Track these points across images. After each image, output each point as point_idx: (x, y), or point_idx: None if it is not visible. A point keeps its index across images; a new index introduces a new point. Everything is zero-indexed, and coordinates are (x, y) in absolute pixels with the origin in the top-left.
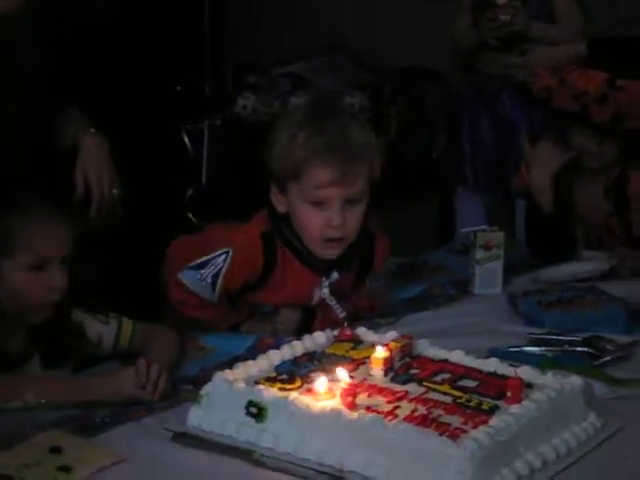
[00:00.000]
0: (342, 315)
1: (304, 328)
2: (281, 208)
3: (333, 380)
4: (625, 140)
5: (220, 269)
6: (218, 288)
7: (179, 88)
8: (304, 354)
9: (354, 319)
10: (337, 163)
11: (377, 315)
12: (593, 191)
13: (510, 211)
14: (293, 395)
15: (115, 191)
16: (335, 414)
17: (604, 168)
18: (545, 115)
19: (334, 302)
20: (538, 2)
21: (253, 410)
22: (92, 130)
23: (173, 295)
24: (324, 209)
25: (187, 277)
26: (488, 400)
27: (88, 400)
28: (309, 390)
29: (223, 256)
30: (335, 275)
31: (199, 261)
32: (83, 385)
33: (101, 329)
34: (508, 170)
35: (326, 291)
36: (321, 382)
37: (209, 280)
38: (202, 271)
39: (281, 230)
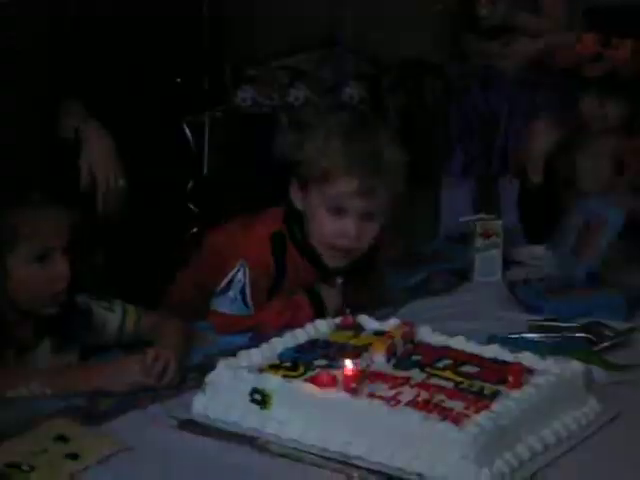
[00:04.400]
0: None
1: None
2: (298, 205)
3: (337, 367)
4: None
5: (244, 284)
6: (249, 302)
7: (179, 80)
8: (307, 342)
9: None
10: (364, 175)
11: (376, 304)
12: (599, 158)
13: (495, 195)
14: (297, 382)
15: (121, 182)
16: (339, 400)
17: (610, 130)
18: (536, 97)
19: None
20: None
21: (257, 397)
22: (95, 122)
23: (219, 326)
24: (341, 218)
25: (220, 304)
26: (490, 385)
27: (93, 389)
28: (313, 377)
29: (241, 271)
30: (339, 281)
31: (222, 285)
32: (88, 374)
33: (105, 315)
34: (494, 156)
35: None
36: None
37: (239, 297)
38: (230, 293)
39: (293, 230)
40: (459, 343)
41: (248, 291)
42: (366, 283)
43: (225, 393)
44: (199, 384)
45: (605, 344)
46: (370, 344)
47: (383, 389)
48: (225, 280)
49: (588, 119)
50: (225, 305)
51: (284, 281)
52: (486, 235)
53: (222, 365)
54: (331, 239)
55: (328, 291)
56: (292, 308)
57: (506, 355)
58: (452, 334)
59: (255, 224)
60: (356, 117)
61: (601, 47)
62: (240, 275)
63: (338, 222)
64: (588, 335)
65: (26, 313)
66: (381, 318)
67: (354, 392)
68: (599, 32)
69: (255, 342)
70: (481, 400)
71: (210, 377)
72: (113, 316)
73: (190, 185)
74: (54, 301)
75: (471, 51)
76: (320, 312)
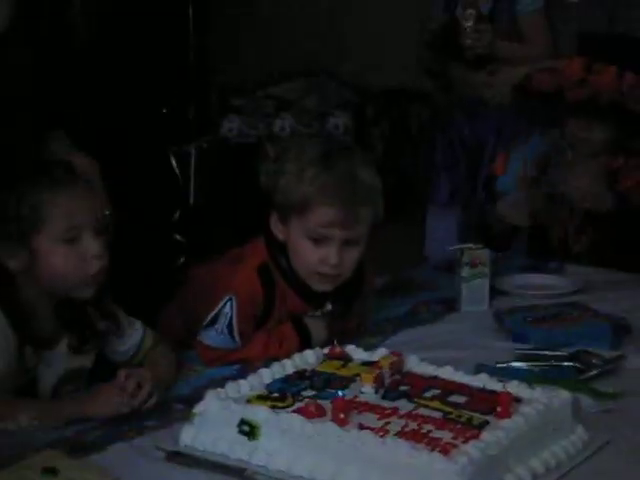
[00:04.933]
0: None
1: None
2: (280, 236)
3: (325, 398)
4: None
5: (231, 317)
6: (236, 335)
7: (165, 110)
8: (295, 372)
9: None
10: (343, 204)
11: (363, 333)
12: (584, 176)
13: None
14: (285, 413)
15: (107, 212)
16: (327, 431)
17: (595, 154)
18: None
19: None
20: (505, 21)
21: (245, 428)
22: (80, 152)
23: (205, 359)
24: (322, 246)
25: (206, 337)
26: (478, 415)
27: (78, 416)
28: (301, 408)
29: (228, 304)
30: (329, 307)
31: (209, 318)
32: (72, 403)
33: (126, 327)
34: (479, 185)
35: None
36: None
37: (226, 331)
38: (216, 326)
39: (278, 260)
40: (447, 373)
41: (235, 324)
42: (353, 310)
43: (213, 424)
44: (186, 415)
45: (593, 372)
46: (358, 375)
47: (371, 420)
48: (212, 313)
49: (574, 141)
50: (211, 338)
51: (273, 311)
52: (473, 264)
53: (210, 396)
54: (314, 267)
55: (315, 322)
56: (278, 339)
57: (494, 384)
58: (440, 363)
59: (242, 257)
60: (332, 144)
61: (586, 72)
62: (227, 308)
63: (320, 250)
64: (575, 364)
65: (49, 303)
66: (369, 348)
67: (342, 423)
68: (586, 57)
69: (243, 373)
70: (470, 430)
71: (198, 408)
72: (132, 332)
73: (176, 215)
74: (88, 282)
75: (457, 80)
76: (307, 343)
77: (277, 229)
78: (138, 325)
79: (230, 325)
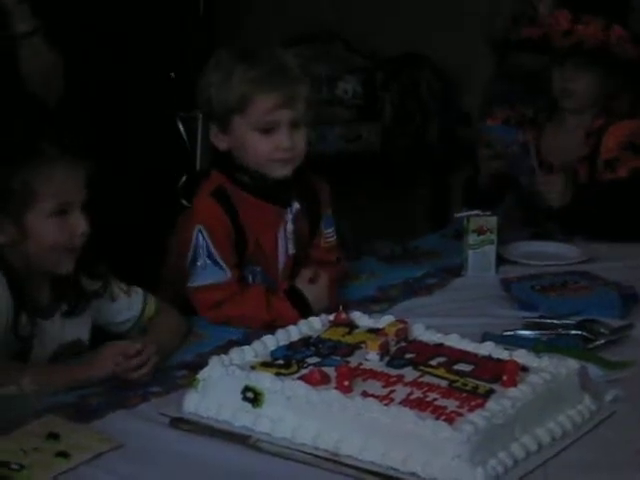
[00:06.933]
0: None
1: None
2: (223, 146)
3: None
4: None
5: (207, 246)
6: (221, 261)
7: (173, 75)
8: (299, 339)
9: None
10: (280, 87)
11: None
12: (568, 133)
13: None
14: (289, 380)
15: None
16: (331, 398)
17: (581, 109)
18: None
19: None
20: None
21: (249, 395)
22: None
23: (203, 306)
24: (272, 134)
25: (195, 278)
26: (484, 384)
27: (80, 383)
28: (305, 375)
29: (199, 235)
30: (296, 205)
31: (189, 258)
32: (72, 369)
33: (120, 295)
34: None
35: (290, 225)
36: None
37: (209, 261)
38: (199, 262)
39: (232, 174)
40: (453, 341)
41: (215, 252)
42: (320, 228)
43: (217, 391)
44: (190, 382)
45: (600, 342)
46: (363, 342)
47: (376, 387)
48: (189, 252)
49: (557, 95)
50: (199, 276)
51: (246, 233)
52: (481, 231)
53: (214, 362)
54: (269, 156)
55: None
56: (277, 315)
57: (501, 353)
58: (446, 331)
59: (197, 195)
60: (246, 46)
61: (573, 23)
62: (200, 239)
63: (270, 139)
64: (583, 333)
65: (44, 275)
66: (375, 315)
67: (347, 390)
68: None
69: (248, 339)
70: (475, 399)
71: (202, 374)
72: (129, 301)
73: (183, 180)
74: (70, 256)
75: None
76: (306, 311)
77: (218, 139)
78: (139, 293)
79: (210, 255)
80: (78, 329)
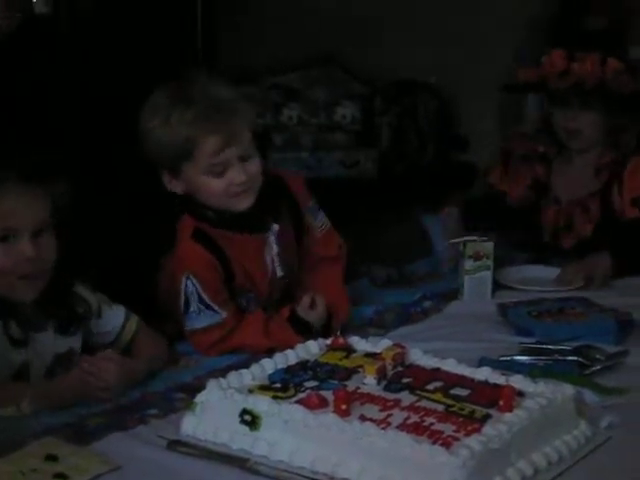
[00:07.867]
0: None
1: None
2: (179, 190)
3: (327, 389)
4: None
5: (198, 292)
6: (214, 305)
7: None
8: (297, 363)
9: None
10: (220, 125)
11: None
12: (575, 169)
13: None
14: (287, 403)
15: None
16: (329, 422)
17: (588, 148)
18: None
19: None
20: None
21: (247, 418)
22: None
23: (201, 347)
24: (224, 173)
25: (190, 323)
26: (480, 408)
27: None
28: (303, 399)
29: (188, 282)
30: (275, 226)
31: (181, 305)
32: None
33: (104, 308)
34: None
35: (274, 247)
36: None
37: (202, 307)
38: (191, 309)
39: (202, 214)
40: (450, 365)
41: (206, 297)
42: (307, 223)
43: (215, 414)
44: (188, 405)
45: (596, 367)
46: (361, 366)
47: (373, 411)
48: (181, 301)
49: (561, 135)
50: (194, 321)
51: (232, 266)
52: (477, 257)
53: (212, 385)
54: (225, 194)
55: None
56: (278, 339)
57: (497, 378)
58: (443, 356)
59: (178, 240)
60: (175, 84)
61: (568, 61)
62: (190, 286)
63: (222, 178)
64: (579, 358)
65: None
66: (372, 340)
67: (344, 414)
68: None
69: (245, 362)
70: (471, 423)
71: (200, 397)
72: (112, 313)
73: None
74: (27, 283)
75: None
76: (307, 331)
77: (173, 185)
78: (120, 309)
79: (202, 300)
80: (71, 339)
